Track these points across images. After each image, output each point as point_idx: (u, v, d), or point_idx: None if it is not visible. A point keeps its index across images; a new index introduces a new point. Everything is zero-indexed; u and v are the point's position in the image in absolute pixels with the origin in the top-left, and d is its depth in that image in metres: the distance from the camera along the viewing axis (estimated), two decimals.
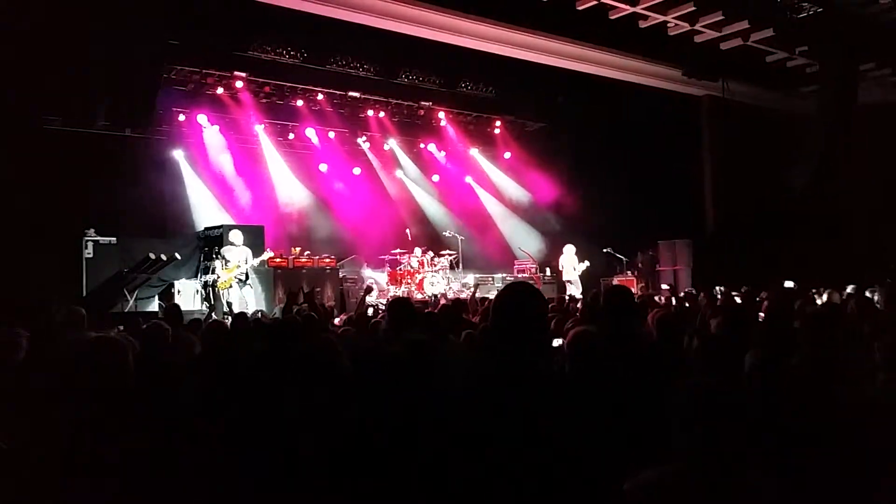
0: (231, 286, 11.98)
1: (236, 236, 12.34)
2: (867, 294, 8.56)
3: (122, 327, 6.77)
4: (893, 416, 3.15)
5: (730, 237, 16.27)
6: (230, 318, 9.09)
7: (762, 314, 7.58)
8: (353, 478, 3.10)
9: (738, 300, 9.40)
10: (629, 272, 17.27)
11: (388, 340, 4.90)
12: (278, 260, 13.48)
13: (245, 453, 3.36)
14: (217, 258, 12.39)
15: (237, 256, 12.14)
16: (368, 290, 11.78)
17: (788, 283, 11.44)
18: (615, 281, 16.64)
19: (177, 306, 7.91)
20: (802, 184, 15.30)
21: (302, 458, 3.27)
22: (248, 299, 11.99)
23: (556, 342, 4.84)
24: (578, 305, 9.39)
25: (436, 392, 3.15)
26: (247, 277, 12.10)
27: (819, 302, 8.98)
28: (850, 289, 10.23)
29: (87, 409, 2.87)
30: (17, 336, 4.17)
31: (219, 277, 12.10)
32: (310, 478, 3.19)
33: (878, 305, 7.82)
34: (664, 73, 15.79)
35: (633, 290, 15.68)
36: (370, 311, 8.98)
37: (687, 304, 9.81)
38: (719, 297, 10.10)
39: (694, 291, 11.88)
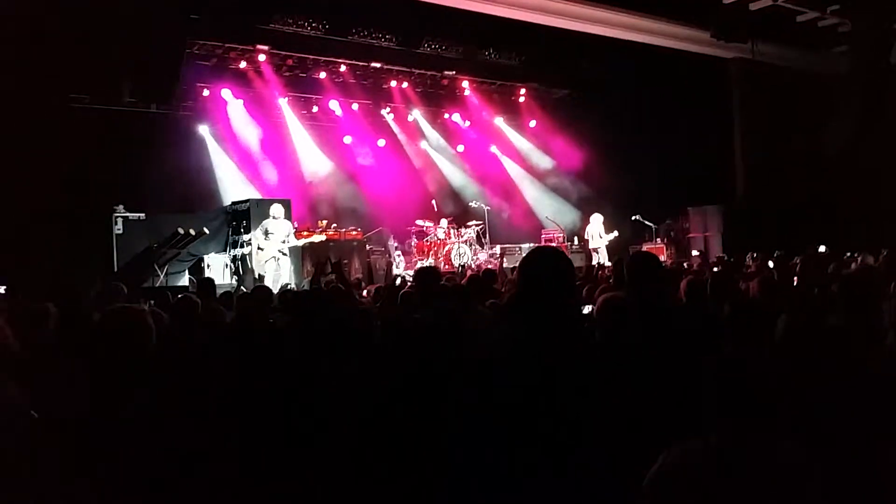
0: (274, 258, 12.12)
1: (278, 210, 12.46)
2: None
3: (152, 301, 6.80)
4: None
5: (761, 202, 16.03)
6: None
7: (796, 279, 7.49)
8: (384, 446, 3.10)
9: (770, 265, 9.27)
10: (658, 240, 17.12)
11: (417, 310, 4.89)
12: (305, 233, 13.53)
13: (275, 423, 3.37)
14: (251, 232, 12.50)
15: (279, 229, 12.26)
16: (390, 263, 11.71)
17: (821, 248, 11.27)
18: (644, 248, 16.54)
19: (209, 280, 7.95)
20: (836, 146, 14.99)
21: (333, 428, 3.26)
22: (283, 272, 12.10)
23: (586, 309, 4.80)
24: (607, 273, 9.30)
25: (465, 360, 3.12)
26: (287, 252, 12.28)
27: (853, 266, 8.82)
28: (885, 252, 10.04)
29: (109, 377, 2.88)
30: (46, 309, 4.19)
31: (262, 250, 12.18)
32: (341, 446, 3.19)
33: None
34: (692, 36, 15.50)
35: (663, 257, 15.58)
36: (398, 281, 8.98)
37: (717, 270, 9.68)
38: (751, 263, 9.97)
39: (725, 257, 11.74)
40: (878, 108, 14.57)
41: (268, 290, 6.61)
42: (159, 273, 12.20)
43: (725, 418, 2.24)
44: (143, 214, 12.54)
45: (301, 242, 12.65)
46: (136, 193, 12.90)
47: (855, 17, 14.60)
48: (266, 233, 12.22)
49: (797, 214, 14.71)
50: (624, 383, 2.69)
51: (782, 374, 3.11)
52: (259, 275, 11.95)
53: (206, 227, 13.07)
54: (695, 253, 14.80)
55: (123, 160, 13.03)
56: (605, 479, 2.31)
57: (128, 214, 12.37)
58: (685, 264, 11.38)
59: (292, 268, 12.68)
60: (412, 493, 2.95)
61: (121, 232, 12.23)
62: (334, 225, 14.93)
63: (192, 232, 12.64)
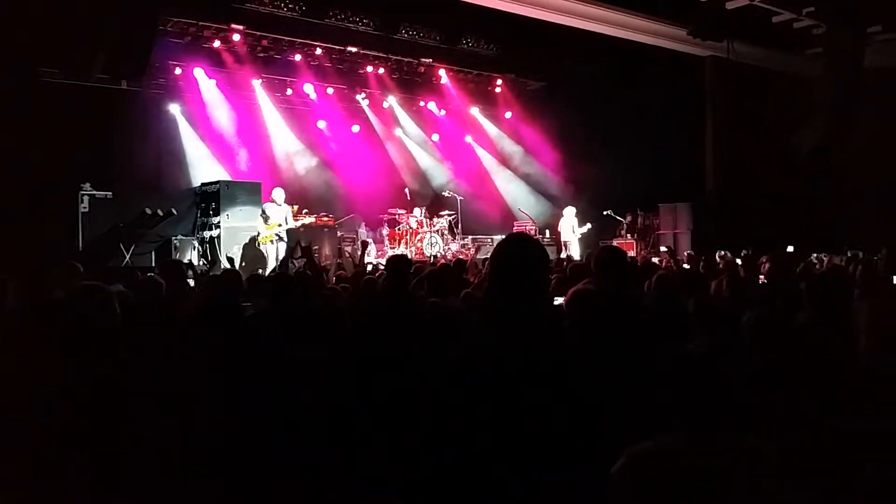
0: (271, 242, 12.25)
1: (279, 194, 12.57)
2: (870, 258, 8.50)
3: (121, 286, 6.67)
4: (873, 380, 3.11)
5: (731, 201, 16.18)
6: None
7: (762, 277, 7.57)
8: (353, 434, 3.07)
9: (738, 263, 9.36)
10: (629, 235, 17.23)
11: (388, 298, 4.86)
12: None
13: (241, 408, 3.32)
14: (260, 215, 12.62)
15: (278, 214, 12.39)
16: (364, 245, 11.77)
17: (789, 248, 11.40)
18: (615, 243, 16.63)
19: (178, 262, 7.82)
20: (808, 148, 15.15)
21: (302, 415, 3.23)
22: (279, 255, 12.16)
23: (558, 301, 4.80)
24: (574, 266, 9.30)
25: (437, 352, 3.09)
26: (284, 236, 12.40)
27: (820, 267, 8.95)
28: (850, 253, 10.20)
29: (73, 354, 2.83)
30: (3, 283, 4.09)
31: (259, 233, 12.32)
32: (310, 434, 3.16)
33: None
34: (669, 33, 15.56)
35: (632, 253, 15.68)
36: (368, 268, 8.93)
37: (687, 266, 9.76)
38: (720, 260, 10.06)
39: (693, 254, 11.83)
40: (850, 111, 14.73)
41: (237, 273, 6.54)
42: (125, 253, 12.01)
43: (688, 414, 2.24)
44: (110, 193, 12.34)
45: (297, 224, 12.77)
46: (103, 171, 12.69)
47: (830, 20, 14.73)
48: (265, 216, 12.33)
49: (766, 213, 14.86)
50: (593, 377, 2.67)
51: (747, 370, 3.15)
52: (228, 257, 11.84)
53: (175, 209, 12.90)
54: (663, 249, 14.91)
55: (92, 137, 12.79)
56: (577, 474, 2.29)
57: (94, 192, 12.17)
58: (655, 260, 11.44)
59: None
60: (383, 482, 2.93)
61: (87, 210, 12.02)
62: (305, 210, 14.80)
63: (160, 212, 12.47)
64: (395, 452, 2.89)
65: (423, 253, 15.27)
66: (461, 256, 13.95)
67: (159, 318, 4.49)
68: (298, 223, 12.82)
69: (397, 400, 3.02)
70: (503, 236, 12.40)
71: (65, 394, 2.61)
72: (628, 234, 17.25)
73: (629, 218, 17.45)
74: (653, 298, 4.94)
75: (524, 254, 2.57)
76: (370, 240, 14.60)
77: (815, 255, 10.07)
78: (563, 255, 13.21)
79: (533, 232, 17.04)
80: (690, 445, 2.21)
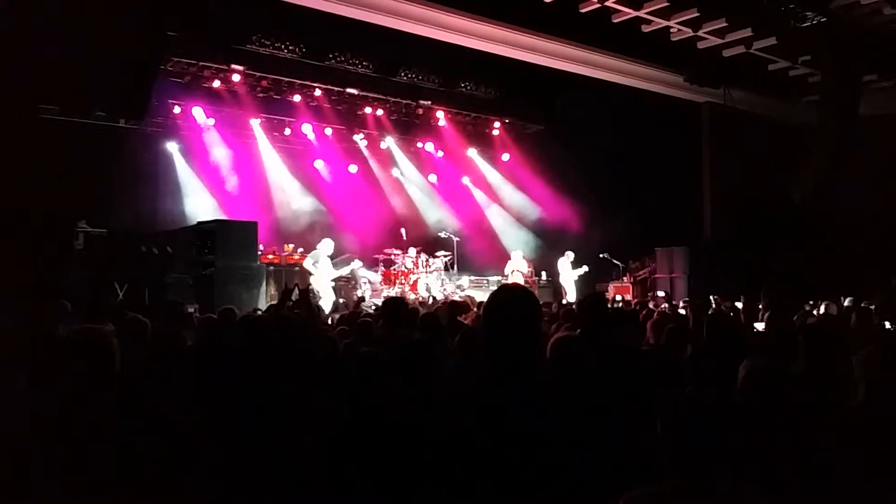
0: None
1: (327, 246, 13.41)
2: (866, 306, 8.47)
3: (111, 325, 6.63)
4: (872, 429, 3.09)
5: (727, 246, 16.19)
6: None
7: (758, 324, 7.53)
8: (347, 476, 3.04)
9: (738, 306, 9.34)
10: (625, 278, 17.21)
11: (383, 341, 4.81)
12: (271, 257, 13.37)
13: (235, 450, 3.29)
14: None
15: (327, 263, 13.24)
16: (361, 300, 11.79)
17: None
18: (610, 287, 16.62)
19: (174, 302, 7.74)
20: (802, 195, 15.23)
21: (295, 457, 3.20)
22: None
23: None
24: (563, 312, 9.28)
25: (427, 393, 3.07)
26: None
27: (816, 314, 8.91)
28: (847, 301, 10.16)
29: (71, 401, 2.80)
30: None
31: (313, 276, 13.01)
32: (303, 476, 3.13)
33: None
34: (665, 79, 15.73)
35: (629, 296, 15.65)
36: (365, 310, 8.87)
37: (683, 312, 9.71)
38: (713, 306, 10.02)
39: (688, 300, 11.80)
40: (845, 159, 14.83)
41: (233, 313, 6.48)
42: (118, 291, 11.93)
43: (682, 461, 2.25)
44: (105, 230, 12.31)
45: (343, 271, 13.46)
46: (100, 209, 12.69)
47: (825, 69, 14.90)
48: (315, 264, 13.03)
49: (762, 259, 14.85)
50: (574, 422, 2.64)
51: (741, 419, 3.12)
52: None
53: (170, 247, 12.85)
54: (660, 294, 14.88)
55: (89, 174, 12.82)
56: None
57: (90, 229, 12.13)
58: (651, 305, 11.40)
59: (254, 292, 12.53)
60: None
61: (81, 247, 11.97)
62: (300, 249, 14.77)
63: (156, 250, 12.42)
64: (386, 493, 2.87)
65: (418, 293, 15.21)
66: (455, 298, 13.89)
67: (153, 359, 4.44)
68: (347, 269, 13.75)
69: (388, 442, 2.99)
70: (499, 277, 12.28)
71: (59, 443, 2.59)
72: (625, 278, 17.23)
73: (629, 262, 17.45)
74: (648, 344, 4.93)
75: (516, 310, 2.58)
76: (366, 293, 14.70)
77: (810, 302, 10.02)
78: (555, 302, 13.16)
79: (529, 274, 17.03)
80: (681, 493, 2.21)
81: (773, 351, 4.86)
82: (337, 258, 15.63)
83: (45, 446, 2.61)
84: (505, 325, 2.54)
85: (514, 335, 2.52)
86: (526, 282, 15.56)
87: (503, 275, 16.45)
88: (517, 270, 15.72)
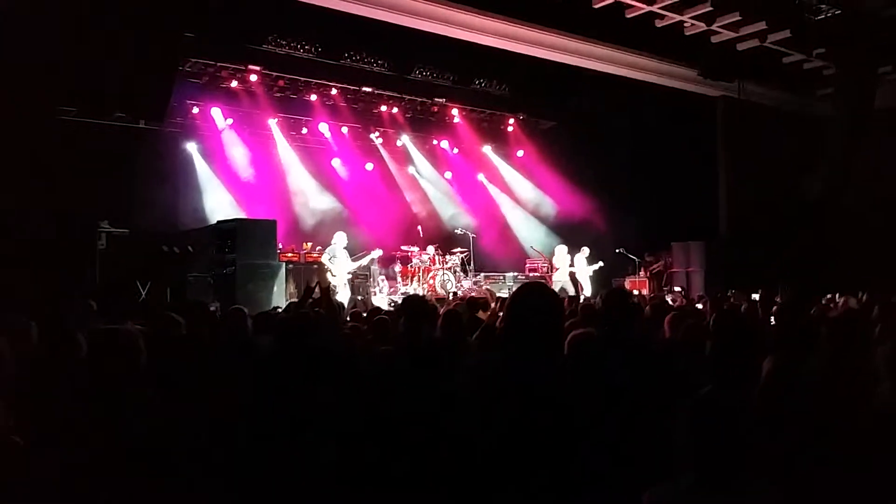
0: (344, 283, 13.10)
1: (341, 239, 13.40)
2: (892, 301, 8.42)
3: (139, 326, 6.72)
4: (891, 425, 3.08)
5: (743, 240, 16.13)
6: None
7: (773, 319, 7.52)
8: (366, 476, 3.09)
9: (755, 298, 9.34)
10: (641, 273, 17.19)
11: (403, 338, 4.88)
12: (290, 255, 13.48)
13: (256, 450, 3.35)
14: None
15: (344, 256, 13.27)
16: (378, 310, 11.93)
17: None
18: (626, 282, 16.60)
19: (198, 302, 7.84)
20: (817, 189, 15.16)
21: (315, 457, 3.25)
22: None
23: None
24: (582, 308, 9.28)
25: (447, 392, 3.12)
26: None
27: (834, 307, 8.89)
28: (864, 296, 10.12)
29: (98, 401, 2.87)
30: (27, 326, 4.13)
31: (334, 275, 13.05)
32: (323, 477, 3.17)
33: None
34: (679, 73, 15.68)
35: (645, 291, 15.63)
36: (384, 307, 8.93)
37: (700, 307, 9.72)
38: (731, 298, 10.03)
39: (704, 295, 11.80)
40: (861, 151, 14.74)
41: (243, 312, 6.57)
42: (142, 290, 12.08)
43: (704, 459, 2.25)
44: (127, 230, 12.45)
45: (365, 261, 13.64)
46: (121, 209, 12.81)
47: (840, 61, 14.82)
48: (332, 257, 13.13)
49: (779, 253, 14.80)
50: (592, 419, 2.68)
51: (764, 415, 3.14)
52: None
53: (191, 246, 12.98)
54: (676, 289, 14.86)
55: (110, 175, 12.96)
56: None
57: (112, 230, 12.28)
58: (669, 300, 11.40)
59: (275, 290, 12.63)
60: None
61: (104, 247, 12.12)
62: (318, 247, 14.87)
63: (177, 250, 12.55)
64: (405, 493, 2.91)
65: (435, 290, 15.29)
66: (473, 294, 13.93)
67: (179, 357, 4.52)
68: (367, 259, 13.85)
69: (406, 440, 3.04)
70: (515, 273, 12.27)
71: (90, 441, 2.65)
72: (641, 273, 17.21)
73: (645, 257, 17.42)
74: (667, 340, 4.96)
75: (539, 303, 2.63)
76: (384, 278, 14.82)
77: (829, 295, 10.00)
78: (581, 298, 13.16)
79: (545, 269, 17.05)
80: (703, 490, 2.22)
81: (793, 346, 4.86)
82: (353, 256, 15.75)
83: (72, 445, 2.66)
84: (529, 323, 2.58)
85: (537, 332, 2.56)
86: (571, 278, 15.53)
87: (552, 267, 16.42)
88: (582, 266, 15.63)
